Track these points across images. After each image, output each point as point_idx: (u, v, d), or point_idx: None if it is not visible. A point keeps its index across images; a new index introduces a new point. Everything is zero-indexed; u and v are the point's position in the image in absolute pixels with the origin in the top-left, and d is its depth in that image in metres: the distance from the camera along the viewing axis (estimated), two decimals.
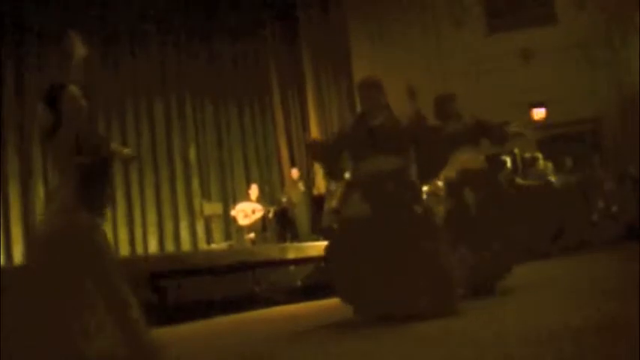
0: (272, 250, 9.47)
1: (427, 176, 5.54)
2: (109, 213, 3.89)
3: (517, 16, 14.74)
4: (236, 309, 7.57)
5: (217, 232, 13.04)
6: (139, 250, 12.21)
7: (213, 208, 12.92)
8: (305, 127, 14.04)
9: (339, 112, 14.14)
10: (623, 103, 13.81)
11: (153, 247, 12.46)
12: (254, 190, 12.48)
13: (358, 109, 5.67)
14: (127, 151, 5.16)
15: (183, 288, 7.53)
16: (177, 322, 6.81)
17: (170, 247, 12.63)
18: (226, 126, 13.89)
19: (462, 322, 4.21)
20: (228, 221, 13.00)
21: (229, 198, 13.43)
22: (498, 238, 5.68)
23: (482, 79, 13.97)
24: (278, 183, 14.06)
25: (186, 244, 12.78)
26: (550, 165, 11.50)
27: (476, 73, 14.09)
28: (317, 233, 11.81)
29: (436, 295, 4.56)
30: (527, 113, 13.54)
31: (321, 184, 12.72)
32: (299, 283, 8.72)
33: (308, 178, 13.43)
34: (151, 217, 12.59)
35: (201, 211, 12.86)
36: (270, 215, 12.47)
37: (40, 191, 11.20)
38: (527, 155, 11.81)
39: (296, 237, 12.16)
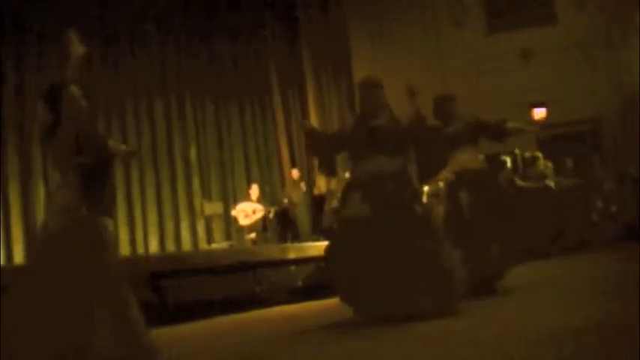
0: (273, 250, 9.47)
1: (427, 176, 5.56)
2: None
3: (517, 16, 14.74)
4: (236, 309, 7.57)
5: (218, 232, 13.04)
6: (140, 249, 12.22)
7: (213, 208, 12.92)
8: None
9: (340, 112, 14.15)
10: (623, 103, 13.81)
11: (153, 247, 12.46)
12: (255, 190, 12.48)
13: (358, 108, 5.67)
14: (124, 147, 5.15)
15: (184, 288, 7.52)
16: (178, 322, 6.81)
17: (171, 247, 12.63)
18: (227, 126, 13.89)
19: (462, 322, 4.21)
20: (229, 221, 13.00)
21: (230, 198, 13.43)
22: (496, 238, 5.69)
23: (483, 79, 13.98)
24: (278, 183, 14.06)
25: (186, 244, 12.78)
26: (550, 165, 11.48)
27: (476, 73, 14.09)
28: (318, 233, 11.81)
29: (436, 295, 4.56)
30: (528, 113, 13.53)
31: (321, 184, 12.72)
32: (299, 283, 8.71)
33: (309, 177, 13.42)
34: (152, 217, 12.59)
35: (202, 211, 12.86)
36: (271, 215, 12.48)
37: (40, 191, 11.20)
38: (528, 155, 11.80)
39: (297, 237, 12.16)
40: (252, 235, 12.20)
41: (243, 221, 12.24)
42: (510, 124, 6.06)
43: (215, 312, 7.39)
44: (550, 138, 13.64)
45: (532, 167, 11.45)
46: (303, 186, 13.10)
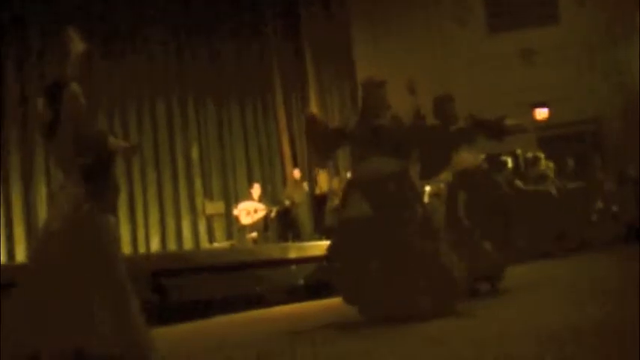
0: (274, 250, 9.47)
1: (429, 175, 5.55)
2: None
3: (519, 16, 14.75)
4: (237, 308, 7.57)
5: (219, 231, 13.04)
6: (141, 248, 12.21)
7: (215, 207, 12.92)
8: None
9: (342, 111, 14.14)
10: (624, 103, 13.82)
11: (155, 245, 12.45)
12: (256, 190, 12.48)
13: (360, 107, 5.66)
14: (125, 143, 5.13)
15: (185, 287, 7.52)
16: (179, 321, 6.82)
17: (172, 245, 12.62)
18: (228, 125, 13.86)
19: (462, 322, 4.22)
20: (231, 220, 12.99)
21: (231, 197, 13.41)
22: (495, 238, 5.69)
23: (484, 79, 13.97)
24: (280, 182, 14.05)
25: (188, 243, 12.77)
26: (552, 165, 11.48)
27: (477, 72, 14.09)
28: (319, 233, 11.81)
29: (436, 295, 4.57)
30: (529, 113, 13.54)
31: (323, 184, 12.72)
32: (301, 282, 8.70)
33: (310, 177, 13.41)
34: (153, 216, 12.58)
35: (204, 210, 12.86)
36: (273, 215, 12.48)
37: (42, 190, 11.19)
38: (529, 155, 11.80)
39: (298, 236, 12.16)
40: (254, 234, 12.20)
41: (245, 220, 12.24)
42: (509, 121, 6.06)
43: (216, 311, 7.40)
44: (550, 138, 13.64)
45: (534, 167, 11.45)
46: (305, 185, 13.09)
